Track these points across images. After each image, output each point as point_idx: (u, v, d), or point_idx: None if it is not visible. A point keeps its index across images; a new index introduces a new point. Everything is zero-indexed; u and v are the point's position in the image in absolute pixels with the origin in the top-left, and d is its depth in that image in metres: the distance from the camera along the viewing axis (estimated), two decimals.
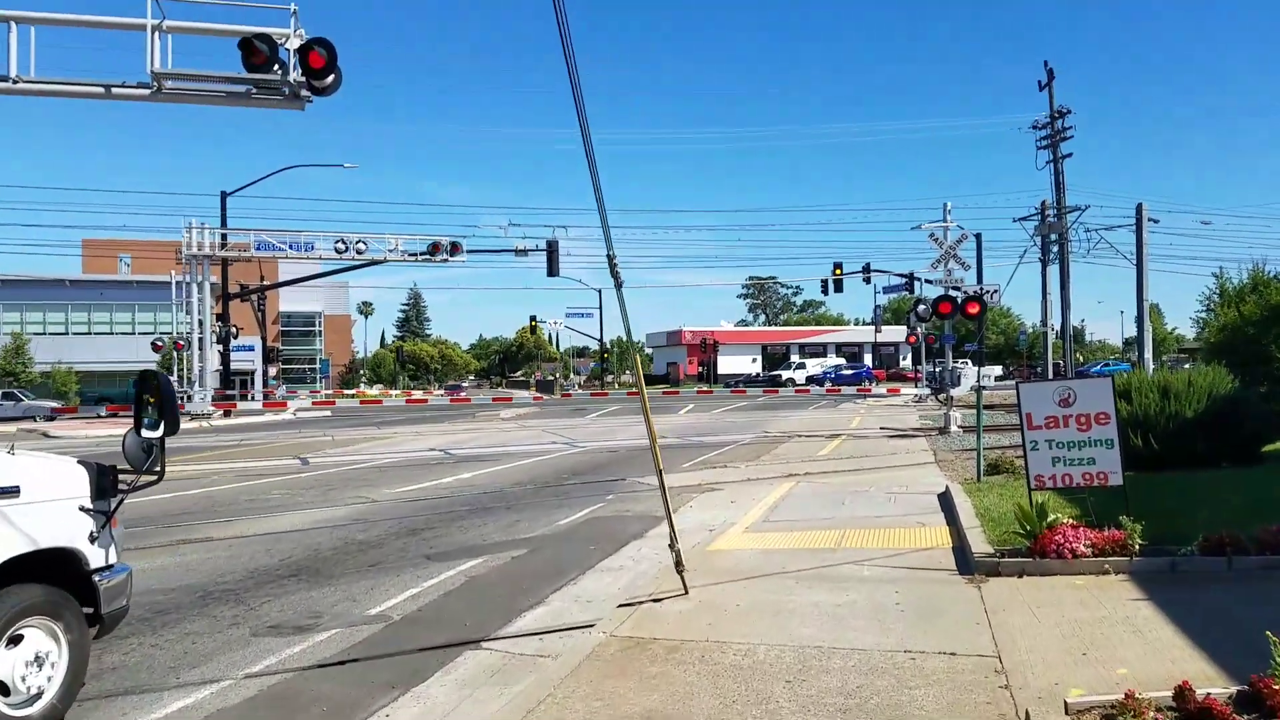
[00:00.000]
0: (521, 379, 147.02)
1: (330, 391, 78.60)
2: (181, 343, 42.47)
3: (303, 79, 13.15)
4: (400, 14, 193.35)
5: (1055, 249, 47.33)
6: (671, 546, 8.17)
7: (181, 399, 43.41)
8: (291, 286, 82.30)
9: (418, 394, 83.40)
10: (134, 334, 67.60)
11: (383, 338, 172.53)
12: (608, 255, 8.87)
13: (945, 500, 12.49)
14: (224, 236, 43.59)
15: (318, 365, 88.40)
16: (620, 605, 7.83)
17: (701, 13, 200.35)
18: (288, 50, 12.20)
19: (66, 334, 70.52)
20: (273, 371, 78.32)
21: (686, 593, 7.96)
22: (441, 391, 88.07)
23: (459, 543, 10.95)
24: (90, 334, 70.08)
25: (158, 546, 11.04)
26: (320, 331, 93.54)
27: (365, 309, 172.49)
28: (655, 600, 7.93)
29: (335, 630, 7.46)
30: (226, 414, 42.13)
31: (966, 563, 8.62)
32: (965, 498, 11.77)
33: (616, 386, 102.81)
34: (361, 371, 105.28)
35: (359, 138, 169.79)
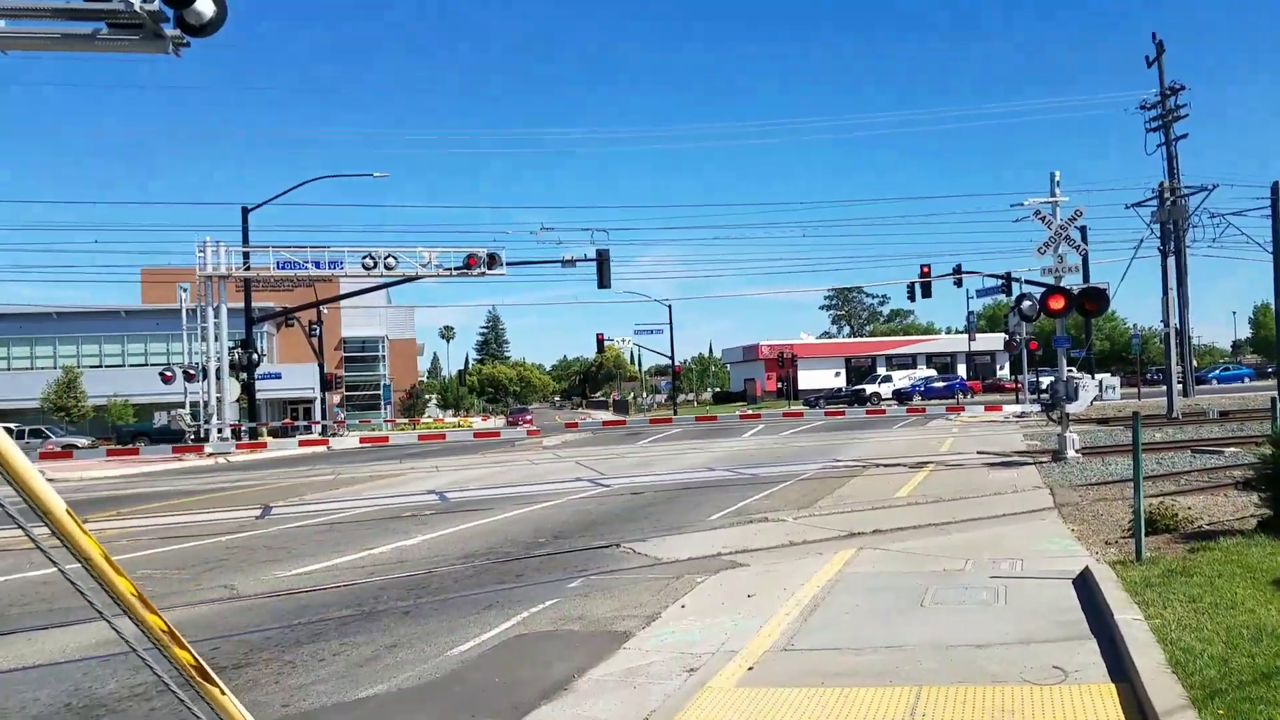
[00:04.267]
0: (601, 399, 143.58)
1: (387, 421, 75.31)
2: (192, 372, 38.95)
3: (162, 9, 9.06)
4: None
5: (1171, 240, 41.36)
6: None
7: (195, 433, 40.13)
8: (352, 309, 79.85)
9: (476, 421, 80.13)
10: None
11: (465, 361, 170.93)
12: None
13: (1089, 600, 7.52)
14: (245, 255, 40.21)
15: (380, 392, 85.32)
16: None
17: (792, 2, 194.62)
18: None
19: (123, 365, 68.78)
20: (335, 399, 75.55)
21: None
22: (508, 418, 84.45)
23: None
24: (147, 365, 67.87)
25: None
26: (384, 356, 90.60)
27: (447, 333, 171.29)
28: None
29: None
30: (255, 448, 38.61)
31: None
32: (1131, 608, 6.74)
33: (696, 404, 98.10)
34: (427, 397, 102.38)
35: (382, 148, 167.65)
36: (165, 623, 2.96)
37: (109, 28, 9.10)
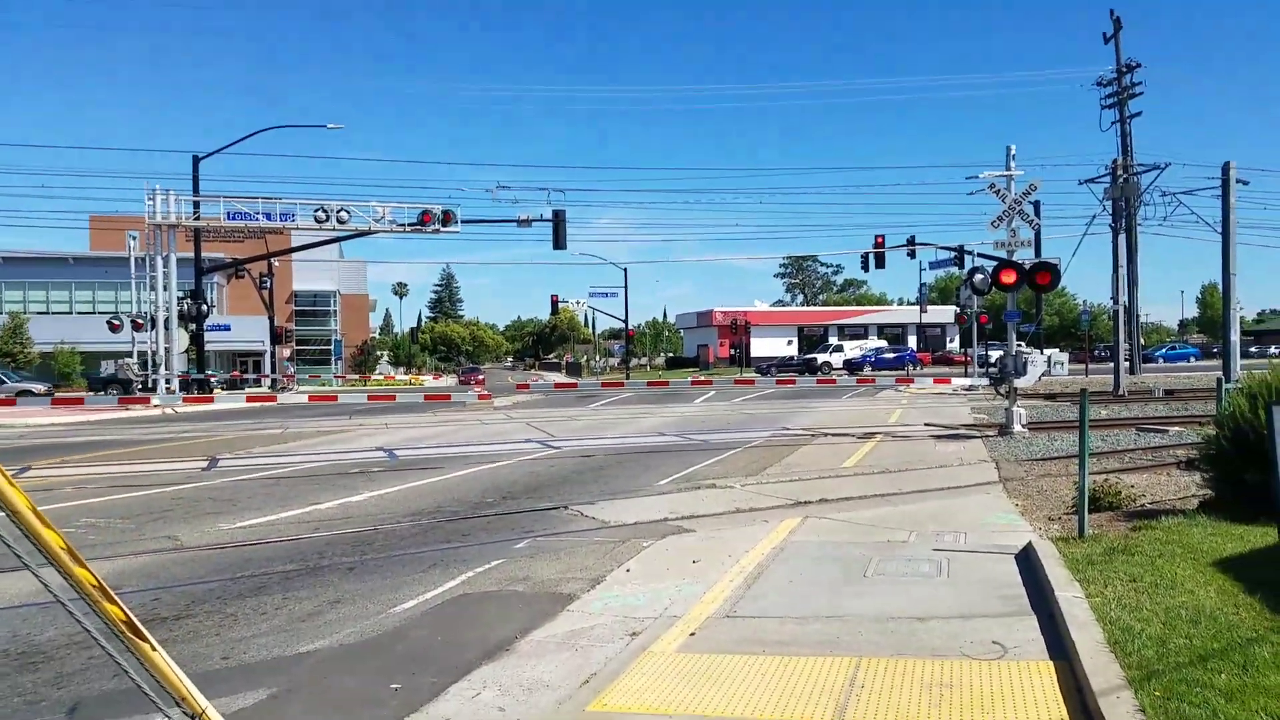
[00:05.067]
0: (554, 361, 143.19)
1: (337, 377, 74.58)
2: (140, 321, 38.20)
3: None
4: None
5: (1122, 217, 41.90)
6: None
7: (143, 383, 39.46)
8: (304, 263, 78.54)
9: (427, 379, 79.45)
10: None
11: (419, 319, 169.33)
12: None
13: (1031, 575, 7.63)
14: (196, 205, 39.30)
15: (331, 347, 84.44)
16: None
17: None
18: None
19: (70, 314, 67.50)
20: (285, 353, 74.54)
21: None
22: (460, 376, 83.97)
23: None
24: (95, 313, 66.40)
25: None
26: (335, 311, 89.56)
27: (400, 290, 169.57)
28: None
29: None
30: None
31: None
32: (1072, 585, 6.84)
33: (649, 369, 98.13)
34: (379, 353, 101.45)
35: (336, 100, 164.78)
36: (95, 577, 2.89)
37: None
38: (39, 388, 47.21)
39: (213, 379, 46.37)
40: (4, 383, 47.53)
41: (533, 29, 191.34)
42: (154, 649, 2.87)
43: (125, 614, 2.72)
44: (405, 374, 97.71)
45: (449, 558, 9.33)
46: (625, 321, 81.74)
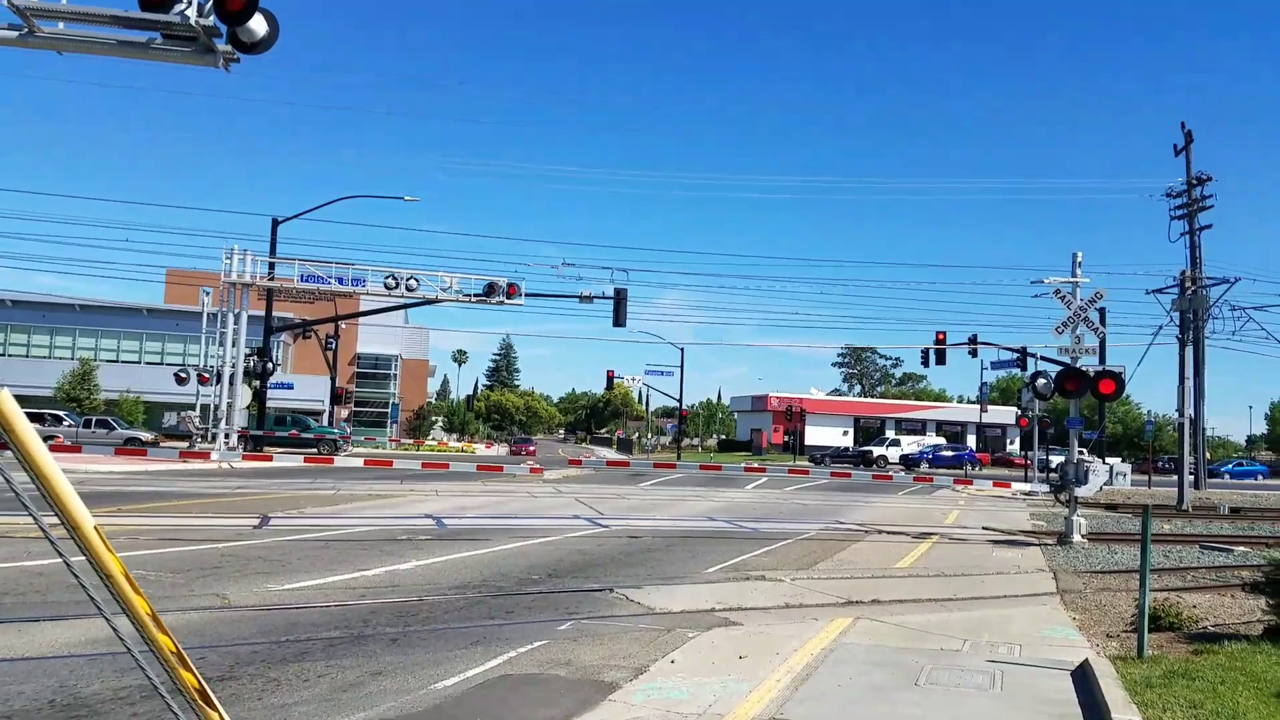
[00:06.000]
0: (606, 436, 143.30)
1: (391, 440, 75.32)
2: (206, 375, 39.08)
3: (216, 24, 9.33)
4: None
5: (1190, 329, 41.18)
6: None
7: (203, 436, 40.13)
8: (369, 326, 79.94)
9: (479, 448, 79.92)
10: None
11: (475, 386, 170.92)
12: None
13: (1087, 695, 7.36)
14: (271, 266, 40.47)
15: (389, 410, 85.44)
16: None
17: (822, 58, 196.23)
18: None
19: (139, 363, 69.22)
20: (343, 414, 75.60)
21: None
22: (511, 447, 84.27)
23: None
24: (162, 364, 68.09)
25: None
26: (396, 375, 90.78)
27: (460, 357, 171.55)
28: None
29: None
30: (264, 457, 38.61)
31: None
32: (1130, 709, 6.55)
33: (701, 450, 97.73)
34: (434, 419, 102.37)
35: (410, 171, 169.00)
36: (175, 644, 2.96)
37: (164, 38, 9.27)
38: (146, 435, 49.04)
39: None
40: (114, 429, 49.51)
41: (606, 118, 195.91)
42: (222, 718, 2.91)
43: (199, 682, 2.78)
44: (458, 440, 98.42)
45: (492, 635, 9.27)
46: (680, 401, 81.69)
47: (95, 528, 2.31)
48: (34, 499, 2.18)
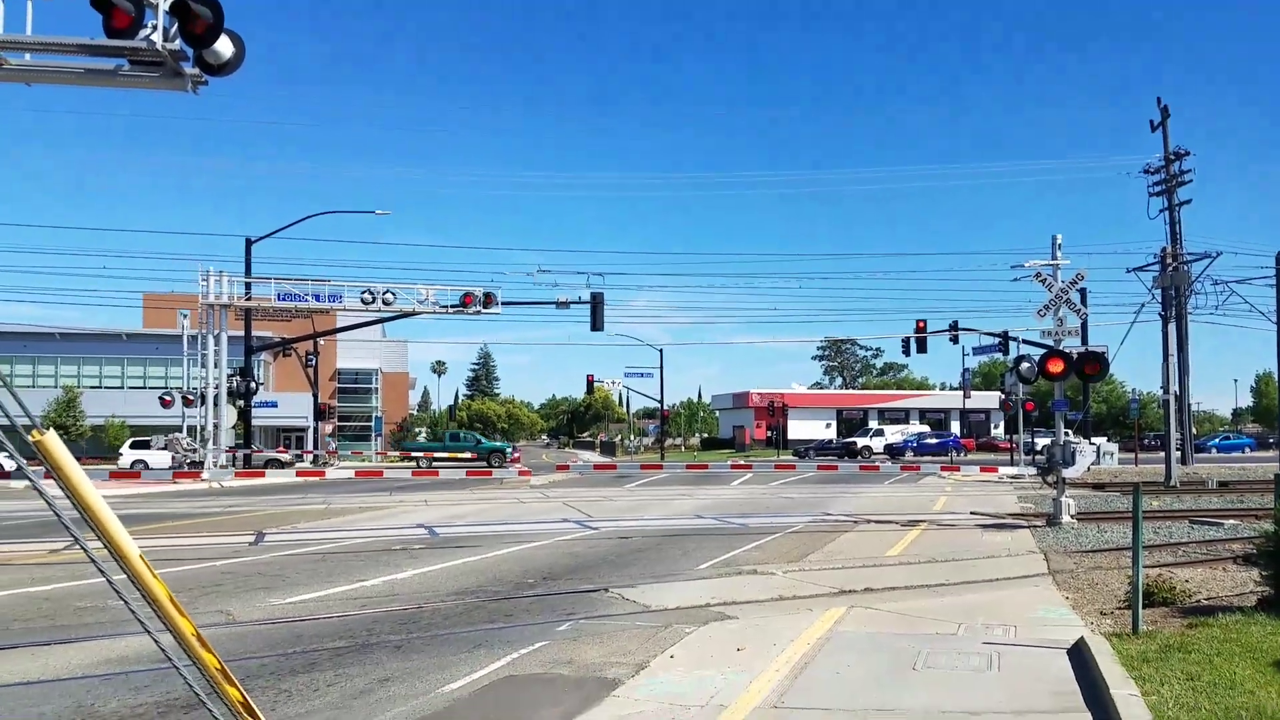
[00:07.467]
0: (588, 440, 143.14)
1: (379, 454, 75.12)
2: (190, 397, 39.02)
3: (183, 49, 9.37)
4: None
5: (1172, 306, 41.58)
6: None
7: (191, 456, 39.99)
8: (348, 342, 79.68)
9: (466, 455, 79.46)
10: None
11: (456, 397, 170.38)
12: None
13: (1084, 672, 7.51)
14: (248, 286, 40.42)
15: (372, 423, 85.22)
16: None
17: (788, 50, 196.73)
18: (155, 9, 8.74)
19: (122, 388, 68.91)
20: (328, 429, 75.31)
21: None
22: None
23: None
24: (145, 388, 67.77)
25: None
26: (377, 389, 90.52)
27: (439, 368, 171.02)
28: None
29: None
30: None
31: None
32: (1128, 683, 6.71)
33: (684, 449, 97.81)
34: (417, 430, 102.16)
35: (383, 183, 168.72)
36: (219, 661, 3.10)
37: (131, 65, 9.31)
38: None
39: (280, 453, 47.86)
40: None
41: (577, 122, 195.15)
42: None
43: (244, 697, 2.92)
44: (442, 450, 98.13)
45: (493, 638, 9.36)
46: (661, 403, 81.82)
47: (140, 555, 2.42)
48: (75, 521, 2.29)
